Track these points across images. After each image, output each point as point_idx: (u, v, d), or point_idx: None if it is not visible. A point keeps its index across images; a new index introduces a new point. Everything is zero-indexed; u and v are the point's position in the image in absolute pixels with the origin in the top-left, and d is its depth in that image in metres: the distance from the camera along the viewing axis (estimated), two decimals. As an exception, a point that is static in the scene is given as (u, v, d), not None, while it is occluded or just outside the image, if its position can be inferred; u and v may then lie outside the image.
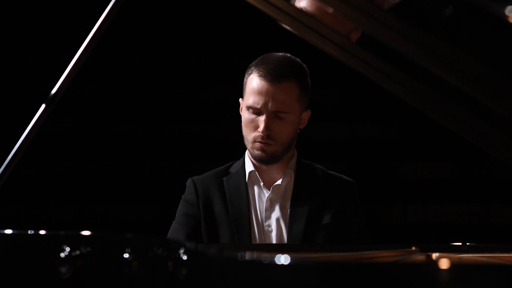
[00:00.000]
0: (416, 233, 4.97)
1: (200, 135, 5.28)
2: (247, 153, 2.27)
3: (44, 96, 1.90)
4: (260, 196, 2.24)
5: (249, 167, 2.25)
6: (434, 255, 1.72)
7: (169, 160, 5.18)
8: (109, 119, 5.41)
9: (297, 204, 2.21)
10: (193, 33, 6.03)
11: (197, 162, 4.94)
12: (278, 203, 2.23)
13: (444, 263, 1.26)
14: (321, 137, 5.43)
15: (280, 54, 2.25)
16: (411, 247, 1.75)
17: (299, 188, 2.24)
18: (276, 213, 2.22)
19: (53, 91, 1.90)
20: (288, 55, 2.25)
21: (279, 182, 2.23)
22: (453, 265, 1.26)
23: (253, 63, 2.23)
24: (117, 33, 4.57)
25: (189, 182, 2.28)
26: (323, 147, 5.35)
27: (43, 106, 1.89)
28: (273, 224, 2.21)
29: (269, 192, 2.23)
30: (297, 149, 2.30)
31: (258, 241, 2.19)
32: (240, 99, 2.26)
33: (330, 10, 1.84)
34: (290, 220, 2.20)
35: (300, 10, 1.69)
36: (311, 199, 2.22)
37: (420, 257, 1.72)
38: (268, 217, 2.22)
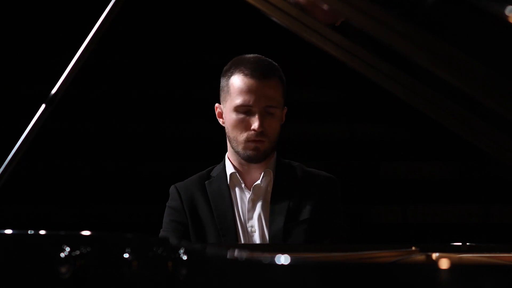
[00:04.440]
0: (416, 233, 4.97)
1: (200, 135, 5.28)
2: (227, 155, 2.28)
3: (44, 96, 1.90)
4: (242, 197, 2.25)
5: (230, 169, 2.26)
6: (434, 255, 1.72)
7: (169, 160, 5.18)
8: (109, 119, 5.41)
9: (276, 202, 2.22)
10: (194, 33, 6.03)
11: (197, 162, 4.94)
12: (260, 203, 2.24)
13: (444, 263, 1.26)
14: (320, 137, 5.44)
15: (252, 55, 2.26)
16: (411, 247, 1.75)
17: (279, 186, 2.24)
18: (258, 212, 2.23)
19: (53, 91, 1.90)
20: (260, 55, 2.27)
21: (258, 182, 2.24)
22: (453, 265, 1.26)
23: (229, 66, 2.24)
24: (117, 33, 4.57)
25: (172, 189, 2.29)
26: (322, 147, 5.35)
27: (43, 106, 1.89)
28: (256, 224, 2.22)
29: (250, 192, 2.24)
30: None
31: (242, 242, 2.20)
32: (217, 105, 2.26)
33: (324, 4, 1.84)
34: (270, 217, 2.21)
35: (296, 6, 1.70)
36: (290, 196, 2.23)
37: (420, 257, 1.72)
38: (251, 217, 2.23)
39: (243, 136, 2.19)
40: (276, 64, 2.27)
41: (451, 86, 1.39)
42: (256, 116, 2.17)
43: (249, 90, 2.17)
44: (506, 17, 1.45)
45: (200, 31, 6.03)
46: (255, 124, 2.17)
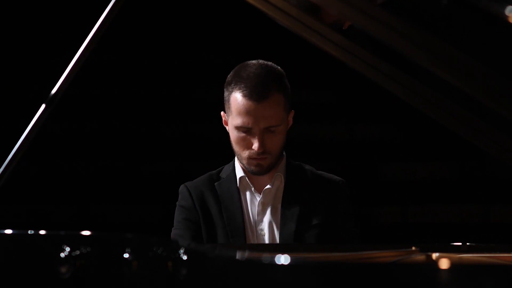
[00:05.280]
0: (416, 233, 4.97)
1: (200, 135, 5.28)
2: (237, 158, 2.27)
3: (44, 96, 1.90)
4: (252, 200, 2.24)
5: (239, 172, 2.26)
6: (434, 255, 1.72)
7: (169, 160, 5.18)
8: (109, 119, 5.41)
9: (287, 206, 2.22)
10: (194, 33, 6.03)
11: (197, 162, 4.94)
12: (270, 207, 2.23)
13: (444, 263, 1.26)
14: (320, 138, 5.44)
15: (256, 63, 2.20)
16: (411, 247, 1.75)
17: (289, 190, 2.24)
18: (268, 216, 2.23)
19: (53, 91, 1.90)
20: (262, 62, 2.21)
21: (269, 186, 2.24)
22: (453, 265, 1.26)
23: (231, 77, 2.19)
24: (117, 33, 4.57)
25: (182, 188, 2.28)
26: (322, 148, 5.35)
27: (43, 106, 1.89)
28: (266, 227, 2.22)
29: (261, 196, 2.24)
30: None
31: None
32: (223, 113, 2.24)
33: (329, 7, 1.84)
34: (282, 221, 2.20)
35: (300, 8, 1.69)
36: (301, 200, 2.22)
37: (420, 257, 1.72)
38: (261, 220, 2.23)
39: (245, 153, 2.18)
40: (279, 69, 2.21)
41: (451, 86, 1.39)
42: (256, 138, 2.15)
43: (247, 112, 2.14)
44: (506, 17, 1.45)
45: (200, 31, 6.03)
46: (255, 145, 2.15)
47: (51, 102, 1.89)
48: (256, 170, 2.20)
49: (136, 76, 5.74)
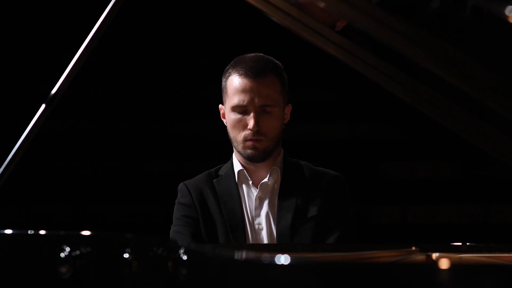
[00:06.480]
0: (416, 233, 4.97)
1: (200, 135, 5.28)
2: (234, 154, 2.29)
3: (44, 96, 1.90)
4: (249, 195, 2.27)
5: (237, 166, 2.28)
6: (434, 255, 1.72)
7: (169, 160, 5.18)
8: (109, 119, 5.41)
9: (284, 200, 2.24)
10: (193, 33, 6.03)
11: (197, 162, 4.94)
12: (267, 201, 2.26)
13: (444, 263, 1.26)
14: (320, 137, 5.44)
15: (253, 54, 2.28)
16: (411, 247, 1.75)
17: (286, 184, 2.26)
18: (265, 210, 2.25)
19: (53, 91, 1.90)
20: (261, 54, 2.28)
21: (266, 180, 2.26)
22: (453, 265, 1.26)
23: (229, 66, 2.26)
24: (117, 33, 4.56)
25: (181, 186, 2.30)
26: (322, 147, 5.35)
27: (43, 106, 1.89)
28: (263, 221, 2.24)
29: (257, 190, 2.25)
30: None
31: (250, 239, 2.23)
32: (220, 106, 2.29)
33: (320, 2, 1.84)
34: (278, 215, 2.22)
35: (298, 8, 1.70)
36: (298, 193, 2.25)
37: (420, 257, 1.72)
38: (258, 215, 2.25)
39: (241, 135, 2.21)
40: (277, 62, 2.27)
41: (451, 86, 1.39)
42: (252, 115, 2.19)
43: (243, 90, 2.19)
44: (506, 17, 1.45)
45: (201, 31, 6.03)
46: (250, 123, 2.19)
47: (51, 102, 1.89)
48: (251, 154, 2.21)
49: (136, 76, 5.74)
